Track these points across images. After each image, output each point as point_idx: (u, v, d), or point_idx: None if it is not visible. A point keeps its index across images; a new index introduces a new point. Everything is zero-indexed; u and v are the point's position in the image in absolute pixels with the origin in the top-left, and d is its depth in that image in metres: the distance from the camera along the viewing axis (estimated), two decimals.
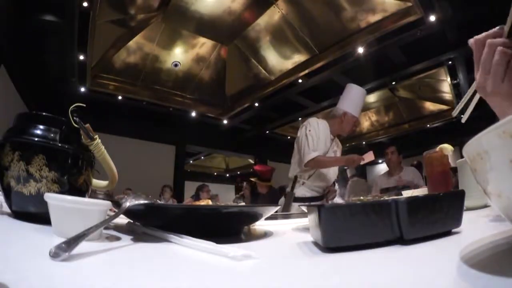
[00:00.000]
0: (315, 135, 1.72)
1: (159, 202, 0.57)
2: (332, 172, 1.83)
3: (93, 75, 4.66)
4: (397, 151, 2.55)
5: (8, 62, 3.40)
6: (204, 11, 4.07)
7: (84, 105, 0.51)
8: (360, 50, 3.88)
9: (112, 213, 0.41)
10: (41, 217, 0.42)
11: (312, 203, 1.49)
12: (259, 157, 7.61)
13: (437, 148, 0.85)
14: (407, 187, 2.13)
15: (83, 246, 0.31)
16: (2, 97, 3.36)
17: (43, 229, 0.42)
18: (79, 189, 0.52)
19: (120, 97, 5.10)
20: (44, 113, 0.50)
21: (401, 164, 2.57)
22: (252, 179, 3.58)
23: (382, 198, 0.87)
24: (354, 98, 1.83)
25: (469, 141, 0.23)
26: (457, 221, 0.38)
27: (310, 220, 0.41)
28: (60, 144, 0.49)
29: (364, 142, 7.28)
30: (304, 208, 0.47)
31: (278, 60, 4.81)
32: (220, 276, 0.27)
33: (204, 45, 4.84)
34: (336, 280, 0.25)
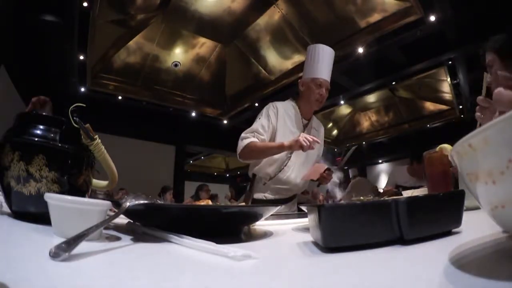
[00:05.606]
0: (267, 120, 1.40)
1: (159, 202, 0.57)
2: (295, 174, 1.45)
3: (93, 75, 4.67)
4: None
5: (8, 62, 3.40)
6: (204, 11, 4.07)
7: (84, 105, 0.51)
8: (360, 50, 3.88)
9: (112, 213, 0.41)
10: (41, 217, 0.42)
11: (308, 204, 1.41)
12: None
13: (437, 148, 0.84)
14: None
15: (83, 246, 0.31)
16: (2, 97, 3.35)
17: (43, 229, 0.42)
18: (79, 189, 0.52)
19: (120, 97, 5.10)
20: (44, 113, 0.50)
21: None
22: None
23: (382, 199, 0.87)
24: (308, 62, 1.51)
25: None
26: (457, 221, 0.38)
27: (310, 220, 0.41)
28: (60, 144, 0.49)
29: (364, 142, 7.29)
30: (304, 208, 0.47)
31: (278, 60, 4.81)
32: (220, 276, 0.27)
33: (204, 45, 4.84)
34: (336, 280, 0.25)
